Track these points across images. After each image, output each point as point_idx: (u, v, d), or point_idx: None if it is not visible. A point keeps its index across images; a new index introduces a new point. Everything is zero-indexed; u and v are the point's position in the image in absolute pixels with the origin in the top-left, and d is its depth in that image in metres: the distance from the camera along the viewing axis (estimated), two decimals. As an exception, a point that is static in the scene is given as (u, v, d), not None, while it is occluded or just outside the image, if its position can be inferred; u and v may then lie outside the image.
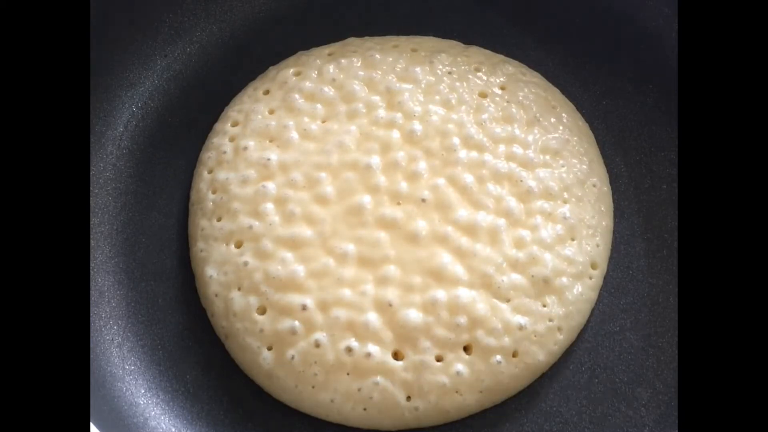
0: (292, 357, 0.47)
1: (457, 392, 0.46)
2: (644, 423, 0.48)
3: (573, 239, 0.50)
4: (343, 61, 0.55)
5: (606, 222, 0.51)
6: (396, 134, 0.52)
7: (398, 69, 0.54)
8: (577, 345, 0.50)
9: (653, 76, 0.56)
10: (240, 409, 0.48)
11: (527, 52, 0.57)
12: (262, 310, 0.48)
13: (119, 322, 0.51)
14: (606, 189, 0.52)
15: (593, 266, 0.50)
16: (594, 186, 0.52)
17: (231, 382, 0.49)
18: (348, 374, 0.46)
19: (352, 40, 0.57)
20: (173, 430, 0.48)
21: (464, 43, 0.57)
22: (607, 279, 0.51)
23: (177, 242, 0.53)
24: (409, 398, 0.46)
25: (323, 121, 0.53)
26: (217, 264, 0.50)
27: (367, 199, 0.50)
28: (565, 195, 0.51)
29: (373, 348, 0.47)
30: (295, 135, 0.52)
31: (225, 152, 0.53)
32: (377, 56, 0.55)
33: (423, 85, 0.54)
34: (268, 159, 0.52)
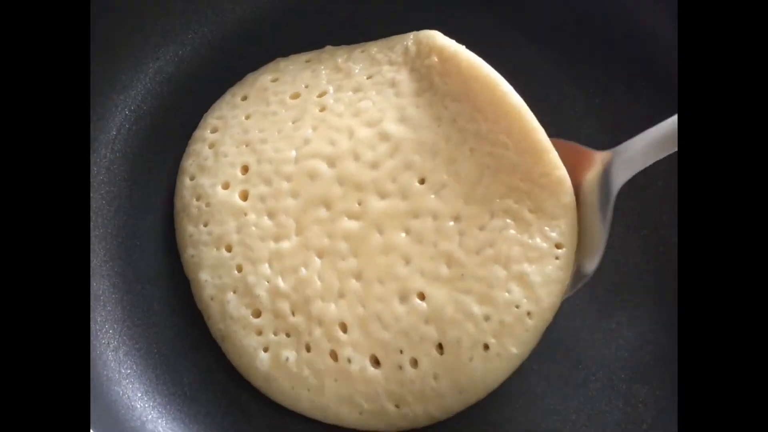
0: (287, 359, 0.48)
1: (438, 396, 0.46)
2: (642, 420, 0.48)
3: (531, 225, 0.48)
4: (318, 67, 0.55)
5: (566, 200, 0.48)
6: (365, 130, 0.51)
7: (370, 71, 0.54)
8: (573, 343, 0.50)
9: (647, 74, 0.56)
10: (237, 411, 0.48)
11: (520, 51, 0.57)
12: (257, 313, 0.49)
13: (115, 325, 0.51)
14: (560, 173, 0.48)
15: (558, 246, 0.47)
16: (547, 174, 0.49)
17: (228, 385, 0.49)
18: (336, 380, 0.47)
19: (329, 48, 0.57)
20: (170, 433, 0.48)
21: (462, 42, 0.57)
22: (603, 276, 0.51)
23: (172, 245, 0.53)
24: (397, 406, 0.47)
25: (294, 122, 0.53)
26: (211, 268, 0.50)
27: (336, 193, 0.50)
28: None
29: (351, 353, 0.47)
30: (270, 137, 0.53)
31: (206, 158, 0.53)
32: (350, 63, 0.55)
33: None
34: (246, 163, 0.52)
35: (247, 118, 0.54)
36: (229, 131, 0.54)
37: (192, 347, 0.50)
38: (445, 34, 0.55)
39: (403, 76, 0.52)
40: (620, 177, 0.47)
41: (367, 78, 0.53)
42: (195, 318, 0.50)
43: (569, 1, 0.57)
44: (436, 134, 0.50)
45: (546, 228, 0.47)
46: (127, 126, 0.56)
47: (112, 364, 0.49)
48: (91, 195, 0.53)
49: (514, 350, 0.46)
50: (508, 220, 0.47)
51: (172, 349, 0.50)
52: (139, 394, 0.49)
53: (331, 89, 0.54)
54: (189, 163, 0.54)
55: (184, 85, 0.57)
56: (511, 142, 0.48)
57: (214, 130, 0.54)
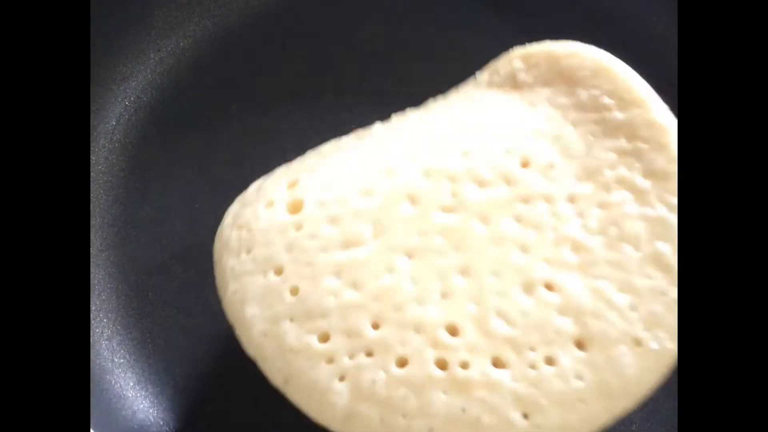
0: (373, 382, 0.40)
1: (581, 401, 0.39)
2: (631, 420, 0.48)
3: (648, 193, 0.42)
4: None
5: (676, 152, 0.43)
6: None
7: None
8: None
9: (647, 74, 0.56)
10: (228, 402, 0.49)
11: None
12: (325, 337, 0.41)
13: (109, 315, 0.51)
14: (664, 122, 0.44)
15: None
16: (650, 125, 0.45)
17: (219, 377, 0.49)
18: (445, 393, 0.39)
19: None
20: (161, 423, 0.48)
21: (462, 41, 0.56)
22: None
23: (168, 236, 0.53)
24: (526, 416, 0.39)
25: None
26: (257, 298, 0.42)
27: (422, 186, 0.43)
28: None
29: (466, 357, 0.39)
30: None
31: (250, 194, 0.46)
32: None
33: None
34: (294, 178, 0.45)
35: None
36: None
37: (185, 338, 0.50)
38: (445, 32, 0.55)
39: (481, 90, 0.47)
40: None
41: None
42: (188, 309, 0.51)
43: (569, 1, 0.57)
44: (535, 115, 0.44)
45: (665, 194, 0.42)
46: (126, 117, 0.56)
47: (105, 353, 0.50)
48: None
49: (670, 345, 0.39)
50: (625, 192, 0.42)
51: (165, 340, 0.51)
52: (131, 384, 0.49)
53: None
54: (233, 206, 0.46)
55: (184, 77, 0.57)
56: (614, 101, 0.44)
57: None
